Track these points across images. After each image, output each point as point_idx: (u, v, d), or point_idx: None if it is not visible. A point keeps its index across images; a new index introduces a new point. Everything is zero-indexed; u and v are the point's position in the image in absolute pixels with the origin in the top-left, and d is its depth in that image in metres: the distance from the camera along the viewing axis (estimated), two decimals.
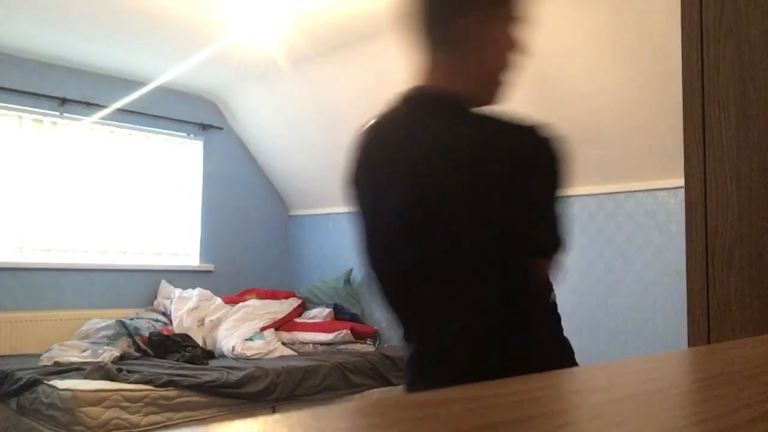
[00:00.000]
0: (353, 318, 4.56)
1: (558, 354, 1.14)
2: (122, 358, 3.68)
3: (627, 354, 3.35)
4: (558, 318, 1.17)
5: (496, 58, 1.15)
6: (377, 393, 3.84)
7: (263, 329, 4.23)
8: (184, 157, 5.01)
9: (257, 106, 4.95)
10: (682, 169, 1.13)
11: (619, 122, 3.31)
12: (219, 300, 4.50)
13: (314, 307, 4.67)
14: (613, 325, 3.46)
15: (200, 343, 4.13)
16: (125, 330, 3.99)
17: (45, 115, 4.37)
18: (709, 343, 1.06)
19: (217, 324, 4.30)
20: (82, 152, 4.50)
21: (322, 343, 4.24)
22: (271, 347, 4.10)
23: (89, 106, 4.46)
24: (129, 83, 4.65)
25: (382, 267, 1.15)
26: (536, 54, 3.82)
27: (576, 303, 3.60)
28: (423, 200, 1.05)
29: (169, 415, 3.12)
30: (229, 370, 3.43)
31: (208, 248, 5.05)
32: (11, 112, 4.25)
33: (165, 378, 3.17)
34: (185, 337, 4.08)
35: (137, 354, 3.84)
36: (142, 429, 3.03)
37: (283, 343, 4.23)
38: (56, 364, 3.50)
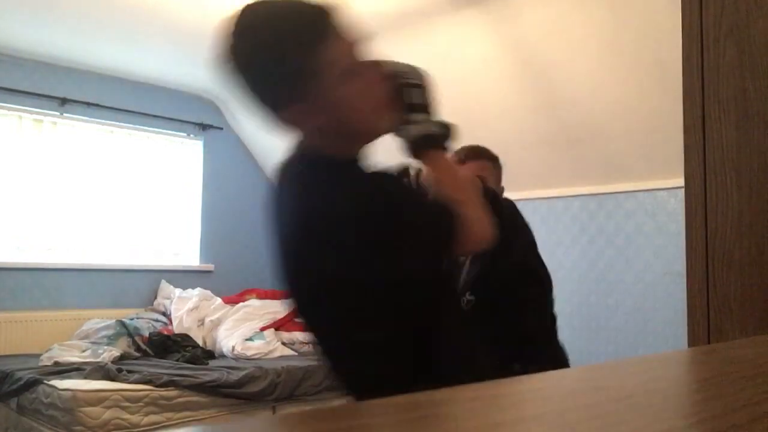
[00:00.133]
0: None
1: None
2: (122, 358, 3.68)
3: (627, 354, 3.35)
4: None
5: (353, 119, 1.10)
6: None
7: (263, 329, 4.23)
8: (184, 157, 5.01)
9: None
10: (682, 169, 1.13)
11: (619, 122, 3.31)
12: (219, 300, 4.50)
13: None
14: (613, 325, 3.46)
15: (200, 343, 4.13)
16: (125, 330, 3.99)
17: (45, 115, 4.37)
18: (709, 343, 1.06)
19: (217, 324, 4.30)
20: (82, 152, 4.50)
21: None
22: (271, 347, 4.10)
23: (89, 106, 4.46)
24: (129, 83, 4.64)
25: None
26: (536, 54, 3.83)
27: (576, 303, 3.60)
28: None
29: (169, 415, 3.12)
30: (229, 370, 3.43)
31: (208, 248, 5.05)
32: (11, 112, 4.24)
33: (165, 378, 3.17)
34: (185, 337, 4.07)
35: (137, 354, 3.84)
36: (142, 429, 3.03)
37: (283, 343, 4.23)
38: (56, 364, 3.50)
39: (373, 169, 1.15)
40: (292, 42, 1.03)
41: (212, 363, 3.75)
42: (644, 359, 0.57)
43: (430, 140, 1.18)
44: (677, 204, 3.22)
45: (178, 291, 4.60)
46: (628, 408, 0.36)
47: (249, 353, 3.95)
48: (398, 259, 1.04)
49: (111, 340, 3.88)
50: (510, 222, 1.68)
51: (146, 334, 4.03)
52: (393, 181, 1.19)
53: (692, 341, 1.09)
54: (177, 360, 3.69)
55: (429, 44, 3.66)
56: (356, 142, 1.14)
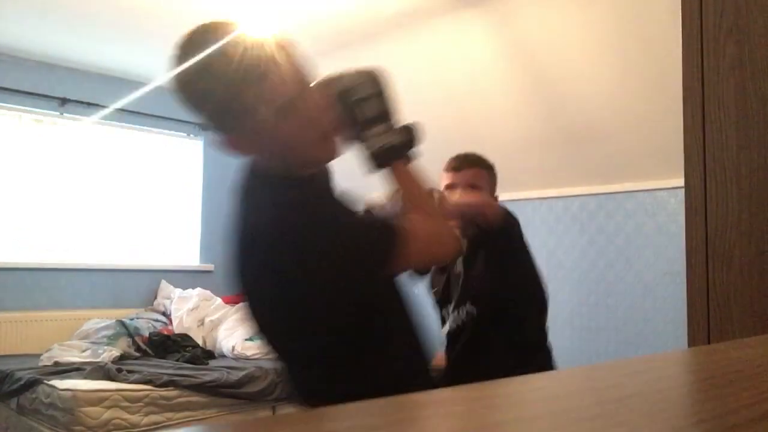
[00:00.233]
0: None
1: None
2: (122, 358, 3.68)
3: (627, 354, 3.35)
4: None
5: (295, 151, 1.09)
6: None
7: None
8: (184, 157, 5.01)
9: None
10: (682, 169, 1.12)
11: (619, 122, 3.31)
12: (219, 300, 4.50)
13: None
14: (613, 325, 3.46)
15: (200, 343, 4.13)
16: (125, 330, 3.99)
17: (45, 115, 4.37)
18: (709, 343, 1.06)
19: (217, 324, 4.30)
20: (82, 152, 4.50)
21: None
22: None
23: (89, 106, 4.46)
24: (129, 83, 4.64)
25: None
26: (536, 54, 3.83)
27: (576, 303, 3.60)
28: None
29: (169, 415, 3.12)
30: (229, 370, 3.43)
31: (208, 248, 5.04)
32: (11, 112, 4.25)
33: (165, 378, 3.17)
34: (185, 337, 4.07)
35: (137, 354, 3.83)
36: (142, 429, 3.03)
37: None
38: (56, 364, 3.50)
39: (323, 186, 1.14)
40: (225, 80, 1.01)
41: (212, 363, 3.75)
42: (644, 359, 0.57)
43: (390, 153, 1.15)
44: (677, 204, 3.21)
45: (178, 291, 4.60)
46: (628, 408, 0.36)
47: (249, 353, 3.95)
48: (330, 276, 1.03)
49: (111, 340, 3.88)
50: (518, 243, 1.71)
51: (146, 334, 4.03)
52: (335, 200, 1.15)
53: (692, 341, 1.09)
54: (177, 360, 3.69)
55: (429, 44, 3.66)
56: (303, 167, 1.12)
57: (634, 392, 0.41)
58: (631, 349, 3.35)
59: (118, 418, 2.95)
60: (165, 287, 4.69)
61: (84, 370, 3.28)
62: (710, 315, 1.06)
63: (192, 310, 4.36)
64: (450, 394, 0.38)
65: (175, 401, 3.14)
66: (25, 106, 4.26)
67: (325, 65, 4.52)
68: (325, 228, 1.05)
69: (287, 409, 3.40)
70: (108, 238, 4.58)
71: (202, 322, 4.32)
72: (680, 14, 1.13)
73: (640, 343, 3.33)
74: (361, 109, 1.15)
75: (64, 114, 4.42)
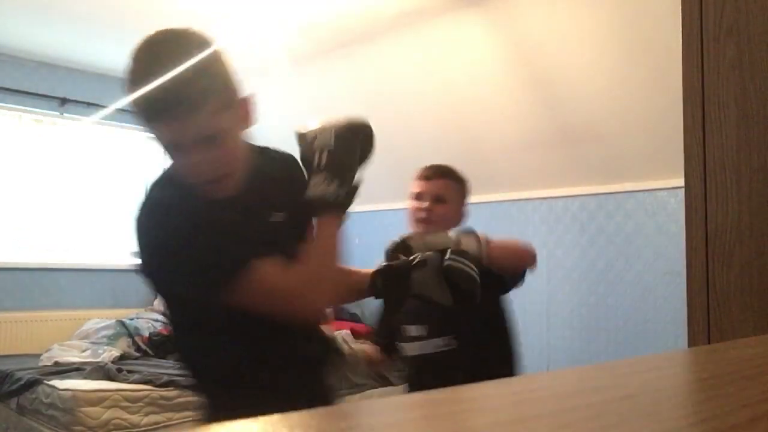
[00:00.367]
0: (353, 318, 4.56)
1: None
2: (122, 358, 3.68)
3: (627, 354, 3.34)
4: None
5: (188, 179, 1.16)
6: (377, 393, 3.83)
7: None
8: None
9: (257, 106, 4.95)
10: (682, 169, 1.12)
11: (619, 122, 3.31)
12: None
13: None
14: (613, 325, 3.46)
15: None
16: (125, 330, 3.99)
17: (45, 115, 4.37)
18: (709, 343, 1.06)
19: None
20: (82, 152, 4.50)
21: None
22: None
23: (89, 106, 4.46)
24: None
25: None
26: (536, 54, 3.83)
27: (576, 303, 3.59)
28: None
29: (169, 415, 3.12)
30: None
31: None
32: (11, 112, 4.25)
33: (165, 378, 3.17)
34: None
35: (137, 354, 3.83)
36: (142, 429, 3.03)
37: None
38: (56, 364, 3.50)
39: (214, 206, 1.17)
40: (136, 107, 1.12)
41: None
42: (644, 359, 0.57)
43: (320, 205, 1.19)
44: (677, 204, 3.21)
45: None
46: (628, 408, 0.36)
47: None
48: (188, 286, 1.15)
49: (111, 340, 3.88)
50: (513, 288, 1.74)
51: (146, 334, 4.03)
52: (212, 218, 1.17)
53: (692, 341, 1.09)
54: (177, 360, 3.69)
55: (429, 44, 3.66)
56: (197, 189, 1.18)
57: (634, 392, 0.41)
58: (631, 349, 3.35)
59: (118, 418, 2.95)
60: None
61: (84, 370, 3.28)
62: (710, 315, 1.06)
63: None
64: (447, 394, 0.38)
65: (175, 401, 3.14)
66: (25, 106, 4.26)
67: (326, 65, 4.52)
68: (184, 237, 1.13)
69: None
70: (108, 238, 4.58)
71: None
72: (680, 14, 1.13)
73: (640, 343, 3.33)
74: (318, 156, 1.20)
75: (64, 114, 4.42)
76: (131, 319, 4.17)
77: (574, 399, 0.39)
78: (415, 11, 3.48)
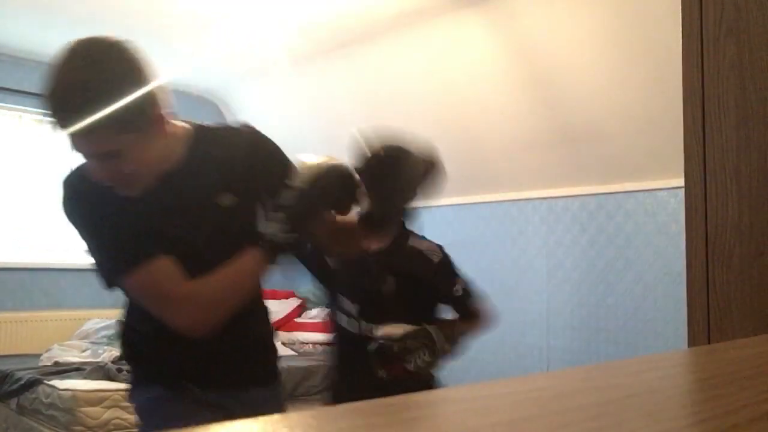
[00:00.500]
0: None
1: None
2: (122, 358, 3.68)
3: (627, 354, 3.34)
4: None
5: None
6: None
7: None
8: None
9: (257, 106, 4.95)
10: (682, 169, 1.13)
11: (619, 122, 3.31)
12: None
13: (314, 307, 4.67)
14: (613, 325, 3.46)
15: None
16: None
17: (45, 114, 4.37)
18: (709, 343, 1.06)
19: None
20: None
21: (322, 343, 4.24)
22: None
23: None
24: None
25: None
26: (536, 54, 3.83)
27: (576, 303, 3.59)
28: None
29: None
30: None
31: None
32: (11, 112, 4.24)
33: None
34: None
35: None
36: None
37: (283, 343, 4.23)
38: (56, 364, 3.50)
39: (130, 202, 1.24)
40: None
41: None
42: (644, 359, 0.57)
43: (263, 241, 1.21)
44: (677, 204, 3.22)
45: None
46: (628, 408, 0.36)
47: None
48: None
49: (111, 340, 3.88)
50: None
51: None
52: (116, 213, 1.26)
53: (692, 341, 1.09)
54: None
55: (429, 44, 3.66)
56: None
57: (634, 392, 0.41)
58: (631, 349, 3.35)
59: (118, 418, 2.95)
60: None
61: (84, 370, 3.28)
62: (710, 315, 1.06)
63: None
64: (445, 394, 0.38)
65: None
66: (25, 106, 4.26)
67: (326, 65, 4.52)
68: (89, 227, 1.29)
69: (288, 409, 3.40)
70: None
71: None
72: (680, 14, 1.13)
73: (640, 343, 3.33)
74: (283, 192, 1.23)
75: None
76: None
77: (574, 399, 0.39)
78: (415, 11, 3.48)
